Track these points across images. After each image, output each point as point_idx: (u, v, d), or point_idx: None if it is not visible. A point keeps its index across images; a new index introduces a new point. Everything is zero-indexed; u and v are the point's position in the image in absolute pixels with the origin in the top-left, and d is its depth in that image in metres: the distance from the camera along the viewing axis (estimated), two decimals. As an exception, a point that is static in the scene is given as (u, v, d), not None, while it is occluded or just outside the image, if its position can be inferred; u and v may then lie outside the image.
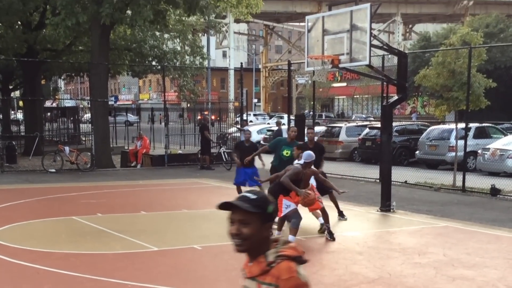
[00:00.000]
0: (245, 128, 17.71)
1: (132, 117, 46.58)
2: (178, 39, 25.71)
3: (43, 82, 30.14)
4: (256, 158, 11.67)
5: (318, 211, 9.23)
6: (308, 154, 8.82)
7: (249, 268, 2.69)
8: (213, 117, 28.45)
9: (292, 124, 20.22)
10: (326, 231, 9.17)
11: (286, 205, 8.28)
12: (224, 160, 20.80)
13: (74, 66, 26.18)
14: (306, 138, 11.88)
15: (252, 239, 2.64)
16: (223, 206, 2.67)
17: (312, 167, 9.03)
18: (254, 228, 2.63)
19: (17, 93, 35.57)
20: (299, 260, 2.61)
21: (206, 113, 26.51)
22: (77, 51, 25.38)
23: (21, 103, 33.29)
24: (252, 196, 2.67)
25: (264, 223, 2.66)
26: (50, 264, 7.62)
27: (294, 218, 8.28)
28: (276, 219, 9.01)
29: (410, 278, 7.15)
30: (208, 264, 7.83)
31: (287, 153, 10.53)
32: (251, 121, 36.79)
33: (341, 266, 7.71)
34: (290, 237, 8.12)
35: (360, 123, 27.56)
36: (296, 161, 9.08)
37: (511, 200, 13.63)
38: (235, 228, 2.66)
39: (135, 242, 8.99)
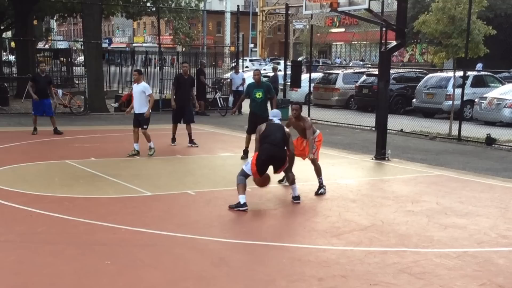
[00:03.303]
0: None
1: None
2: (173, -21, 25.04)
3: (35, 22, 29.49)
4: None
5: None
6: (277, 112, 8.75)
7: None
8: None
9: (288, 70, 20.03)
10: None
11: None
12: (219, 106, 20.65)
13: (67, 6, 25.54)
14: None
15: None
16: None
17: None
18: None
19: (9, 34, 34.83)
20: None
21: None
22: (69, -10, 24.74)
23: (13, 44, 32.71)
24: None
25: None
26: (43, 207, 7.61)
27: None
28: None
29: (402, 226, 7.18)
30: (202, 210, 7.83)
31: (259, 95, 11.47)
32: (246, 67, 36.36)
33: (334, 213, 7.73)
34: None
35: (357, 70, 27.29)
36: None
37: (506, 149, 13.64)
38: None
39: (128, 186, 8.98)
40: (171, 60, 32.32)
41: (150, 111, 11.71)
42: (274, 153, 7.87)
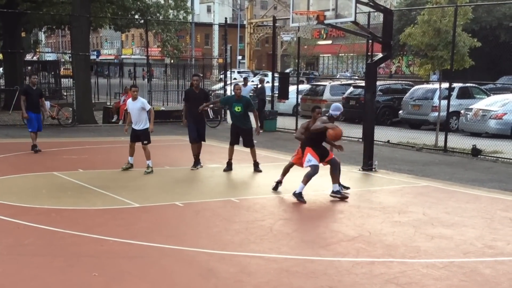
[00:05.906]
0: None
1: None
2: (161, -8, 25.15)
3: (23, 34, 29.43)
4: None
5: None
6: (337, 106, 9.46)
7: None
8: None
9: (276, 82, 20.13)
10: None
11: (308, 159, 9.03)
12: (209, 117, 20.67)
13: (55, 18, 25.54)
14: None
15: None
16: None
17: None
18: None
19: (-4, 45, 34.66)
20: None
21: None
22: (58, 2, 24.70)
23: (0, 56, 32.60)
24: None
25: None
26: (30, 219, 7.58)
27: (312, 170, 9.00)
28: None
29: (389, 236, 7.23)
30: (190, 221, 7.84)
31: (238, 109, 11.50)
32: (235, 79, 36.44)
33: (322, 224, 7.78)
34: (301, 186, 8.88)
35: (344, 82, 27.50)
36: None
37: (491, 160, 13.79)
38: None
39: (116, 198, 8.96)
40: (150, 71, 32.27)
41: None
42: None
